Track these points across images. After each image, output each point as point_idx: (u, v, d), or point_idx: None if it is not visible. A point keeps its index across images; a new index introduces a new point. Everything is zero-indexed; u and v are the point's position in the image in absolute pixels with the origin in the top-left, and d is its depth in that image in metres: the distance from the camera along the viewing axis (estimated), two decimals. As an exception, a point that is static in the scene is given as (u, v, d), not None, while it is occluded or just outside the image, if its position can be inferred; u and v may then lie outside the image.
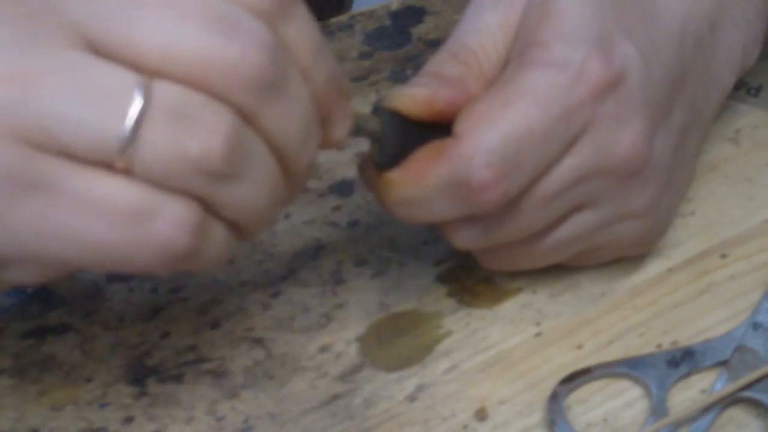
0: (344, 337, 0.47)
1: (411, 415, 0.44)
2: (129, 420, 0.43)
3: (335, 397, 0.44)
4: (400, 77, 0.59)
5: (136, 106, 0.32)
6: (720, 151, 0.55)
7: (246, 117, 0.34)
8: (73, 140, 0.32)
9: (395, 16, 0.63)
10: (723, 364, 0.44)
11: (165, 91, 0.33)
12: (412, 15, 0.64)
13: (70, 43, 0.32)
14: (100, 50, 0.33)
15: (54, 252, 0.34)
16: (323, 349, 0.46)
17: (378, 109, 0.42)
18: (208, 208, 0.35)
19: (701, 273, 0.49)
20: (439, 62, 0.44)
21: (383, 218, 0.51)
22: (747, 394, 0.43)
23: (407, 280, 0.49)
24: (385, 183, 0.42)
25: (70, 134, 0.32)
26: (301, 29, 0.36)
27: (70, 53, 0.32)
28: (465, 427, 0.43)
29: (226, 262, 0.49)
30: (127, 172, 0.33)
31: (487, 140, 0.41)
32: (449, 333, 0.47)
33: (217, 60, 0.33)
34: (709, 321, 0.47)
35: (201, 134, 0.33)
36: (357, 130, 0.41)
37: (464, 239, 0.44)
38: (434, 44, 0.61)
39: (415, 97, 0.42)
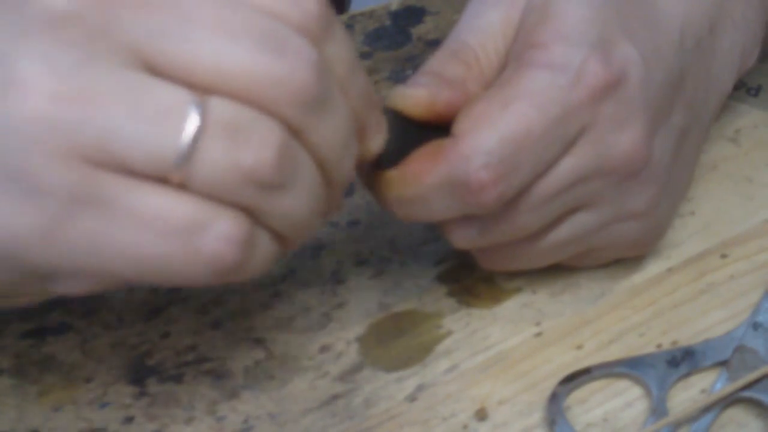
0: (344, 337, 0.47)
1: (411, 415, 0.44)
2: (129, 420, 0.43)
3: (335, 397, 0.44)
4: (400, 77, 0.59)
5: (193, 122, 0.33)
6: (720, 151, 0.55)
7: (293, 131, 0.35)
8: (131, 157, 0.33)
9: (395, 16, 0.63)
10: (723, 364, 0.44)
11: (219, 106, 0.34)
12: (412, 15, 0.64)
13: (127, 63, 0.33)
14: (155, 69, 0.34)
15: (107, 266, 0.34)
16: (323, 349, 0.46)
17: None
18: (256, 219, 0.36)
19: (701, 273, 0.49)
20: (440, 61, 0.44)
21: (383, 218, 0.51)
22: (747, 394, 0.43)
23: (407, 280, 0.49)
24: (383, 182, 0.42)
25: (129, 151, 0.33)
26: (340, 46, 0.37)
27: (127, 73, 0.33)
28: (465, 427, 0.43)
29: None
30: (182, 185, 0.34)
31: (485, 141, 0.41)
32: (449, 333, 0.47)
33: (267, 77, 0.34)
34: (709, 321, 0.47)
35: (254, 146, 0.34)
36: None
37: (462, 238, 0.45)
38: (434, 44, 0.61)
39: (415, 98, 0.42)
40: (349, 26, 0.62)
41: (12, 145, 0.32)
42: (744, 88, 0.57)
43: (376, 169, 0.43)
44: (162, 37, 0.34)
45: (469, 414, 0.44)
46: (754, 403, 0.43)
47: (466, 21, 0.45)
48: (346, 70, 0.37)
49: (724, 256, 0.50)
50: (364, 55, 0.61)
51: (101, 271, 0.35)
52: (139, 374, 0.45)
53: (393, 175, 0.42)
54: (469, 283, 0.49)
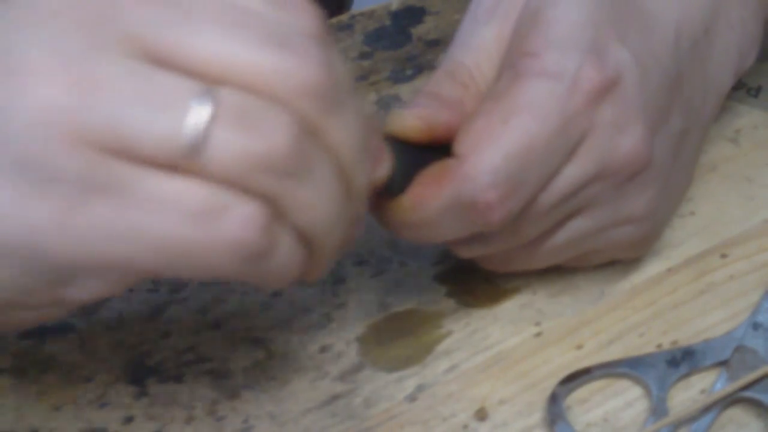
0: (344, 337, 0.47)
1: (411, 415, 0.44)
2: (129, 420, 0.43)
3: (335, 397, 0.44)
4: (400, 77, 0.59)
5: (202, 110, 0.33)
6: (720, 151, 0.55)
7: (307, 125, 0.35)
8: (141, 144, 0.33)
9: (395, 16, 0.63)
10: (723, 364, 0.44)
11: (230, 95, 0.34)
12: (412, 15, 0.64)
13: (131, 53, 0.33)
14: (158, 60, 0.34)
15: (127, 253, 0.34)
16: (323, 349, 0.46)
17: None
18: (277, 210, 0.35)
19: (701, 273, 0.49)
20: (437, 83, 0.44)
21: (383, 218, 0.51)
22: (747, 394, 0.43)
23: (407, 280, 0.49)
24: (389, 208, 0.42)
25: (138, 138, 0.33)
26: (340, 64, 0.37)
27: (132, 62, 0.33)
28: (465, 427, 0.43)
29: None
30: (195, 173, 0.33)
31: (490, 160, 0.41)
32: (449, 333, 0.47)
33: (276, 69, 0.34)
34: (709, 321, 0.47)
35: (266, 132, 0.34)
36: None
37: (467, 251, 0.45)
38: (434, 44, 0.61)
39: (413, 121, 0.42)
40: (349, 26, 0.62)
41: (24, 134, 0.33)
42: (744, 89, 0.57)
43: (380, 196, 0.42)
44: (165, 30, 0.34)
45: (469, 414, 0.44)
46: (754, 403, 0.43)
47: (460, 40, 0.45)
48: (348, 90, 0.37)
49: (724, 256, 0.50)
50: (364, 55, 0.61)
51: (121, 262, 0.34)
52: (139, 374, 0.45)
53: (399, 201, 0.42)
54: (469, 283, 0.49)
